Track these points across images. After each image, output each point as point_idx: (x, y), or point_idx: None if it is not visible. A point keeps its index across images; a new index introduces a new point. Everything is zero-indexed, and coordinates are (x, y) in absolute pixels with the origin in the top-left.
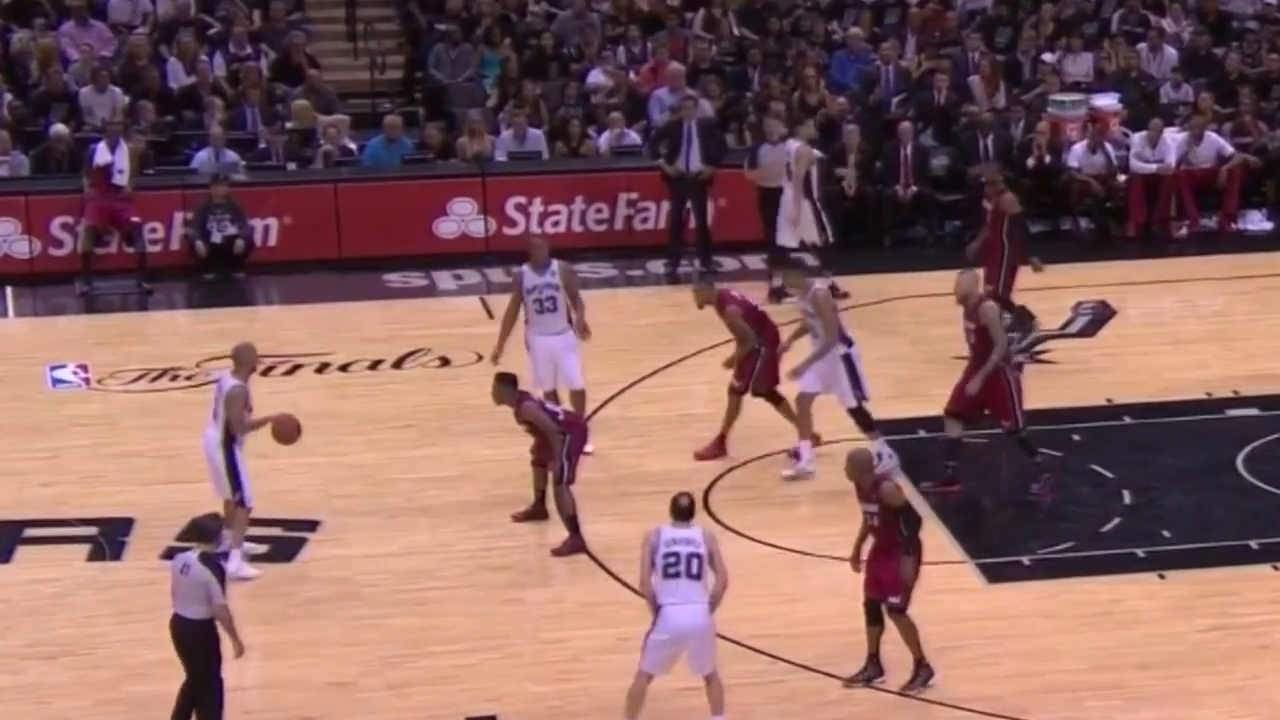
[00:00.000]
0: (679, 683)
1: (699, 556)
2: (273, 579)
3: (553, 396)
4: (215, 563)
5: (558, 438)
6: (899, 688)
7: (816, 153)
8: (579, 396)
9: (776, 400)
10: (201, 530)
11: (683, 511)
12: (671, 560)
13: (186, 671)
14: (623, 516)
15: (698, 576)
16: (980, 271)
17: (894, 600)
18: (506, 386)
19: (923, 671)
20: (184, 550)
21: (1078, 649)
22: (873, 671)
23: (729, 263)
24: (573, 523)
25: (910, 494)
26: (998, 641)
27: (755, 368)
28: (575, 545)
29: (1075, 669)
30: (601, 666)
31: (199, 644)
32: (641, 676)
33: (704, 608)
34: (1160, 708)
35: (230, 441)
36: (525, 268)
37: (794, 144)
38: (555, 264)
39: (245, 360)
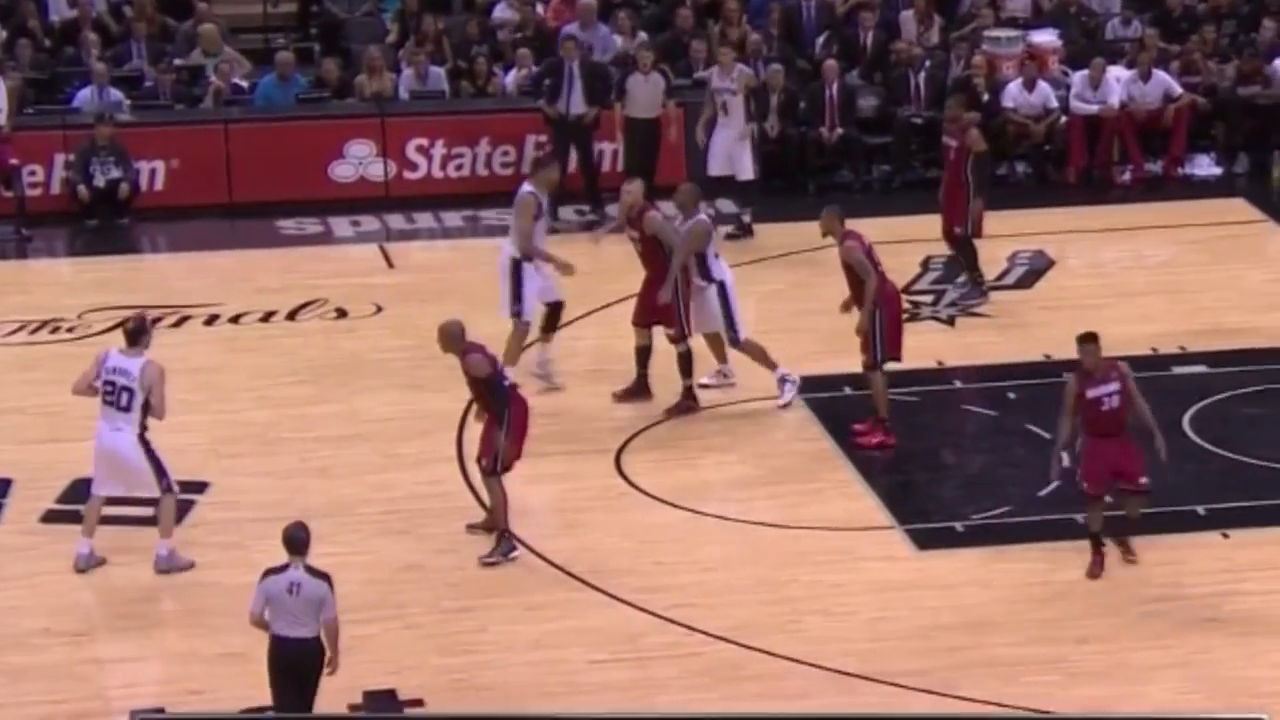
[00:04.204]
0: (593, 654)
1: (130, 390)
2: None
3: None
4: (323, 572)
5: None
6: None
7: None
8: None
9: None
10: (294, 542)
11: (131, 335)
12: (109, 390)
13: (284, 699)
14: (534, 478)
15: (127, 409)
16: (639, 183)
17: (484, 462)
18: None
19: (504, 543)
20: (280, 570)
21: (1014, 620)
22: None
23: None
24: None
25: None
26: (929, 613)
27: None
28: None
29: (1011, 642)
30: (507, 637)
31: (312, 664)
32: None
33: (128, 434)
34: (1102, 684)
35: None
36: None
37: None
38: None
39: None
